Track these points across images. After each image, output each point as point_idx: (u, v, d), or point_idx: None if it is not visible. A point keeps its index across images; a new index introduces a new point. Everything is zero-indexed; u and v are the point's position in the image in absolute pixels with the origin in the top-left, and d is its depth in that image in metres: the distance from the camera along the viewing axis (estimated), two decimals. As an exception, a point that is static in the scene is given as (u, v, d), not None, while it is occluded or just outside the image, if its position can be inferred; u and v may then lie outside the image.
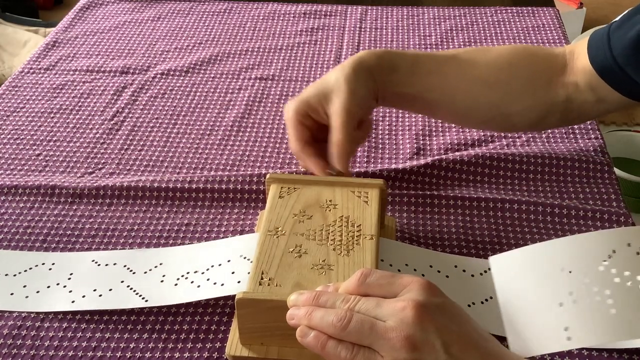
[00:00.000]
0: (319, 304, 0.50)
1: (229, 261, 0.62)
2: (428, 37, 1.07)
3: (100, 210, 0.73)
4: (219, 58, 1.02)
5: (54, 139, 0.84)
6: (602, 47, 0.66)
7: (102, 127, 0.86)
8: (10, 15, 2.29)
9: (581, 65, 0.68)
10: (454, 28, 1.10)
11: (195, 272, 0.62)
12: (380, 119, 0.88)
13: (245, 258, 0.61)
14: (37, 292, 0.62)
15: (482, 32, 1.08)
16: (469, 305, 0.60)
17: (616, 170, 1.24)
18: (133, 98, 0.92)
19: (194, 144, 0.84)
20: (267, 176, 0.64)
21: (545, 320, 0.53)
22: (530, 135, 0.83)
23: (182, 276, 0.62)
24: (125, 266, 0.64)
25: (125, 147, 0.83)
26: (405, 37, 1.08)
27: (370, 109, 0.69)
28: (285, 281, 0.54)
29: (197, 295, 0.60)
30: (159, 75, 0.97)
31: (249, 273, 0.58)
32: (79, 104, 0.91)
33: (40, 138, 0.84)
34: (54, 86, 0.95)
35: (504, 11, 1.14)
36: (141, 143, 0.84)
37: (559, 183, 0.76)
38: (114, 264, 0.65)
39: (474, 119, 0.73)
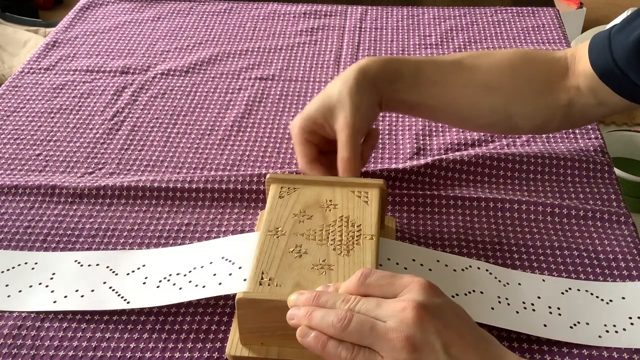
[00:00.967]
0: (319, 304, 0.50)
1: (211, 263, 0.62)
2: (428, 37, 1.07)
3: (100, 210, 0.73)
4: (219, 58, 1.01)
5: (54, 139, 0.84)
6: (603, 51, 0.66)
7: (102, 127, 0.86)
8: (10, 15, 2.29)
9: (582, 69, 0.68)
10: (454, 28, 1.10)
11: (178, 274, 0.62)
12: (380, 119, 0.88)
13: (227, 260, 0.61)
14: (20, 291, 0.62)
15: (482, 32, 1.08)
16: (452, 297, 0.60)
17: (616, 170, 1.24)
18: (133, 98, 0.92)
19: (194, 144, 0.84)
20: (267, 176, 0.64)
21: None
22: (530, 135, 0.83)
23: (165, 278, 0.62)
24: (108, 267, 0.64)
25: (125, 147, 0.83)
26: (405, 37, 1.08)
27: (375, 117, 0.69)
28: (286, 281, 0.54)
29: (179, 297, 0.60)
30: (159, 75, 0.97)
31: (230, 274, 0.59)
32: (79, 104, 0.91)
33: (40, 138, 0.84)
34: (54, 86, 0.95)
35: (504, 11, 1.14)
36: (141, 143, 0.84)
37: (559, 183, 0.76)
38: (97, 264, 0.65)
39: (477, 123, 0.73)
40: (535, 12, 1.14)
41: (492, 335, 0.49)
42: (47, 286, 0.63)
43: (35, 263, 0.65)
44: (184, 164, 0.80)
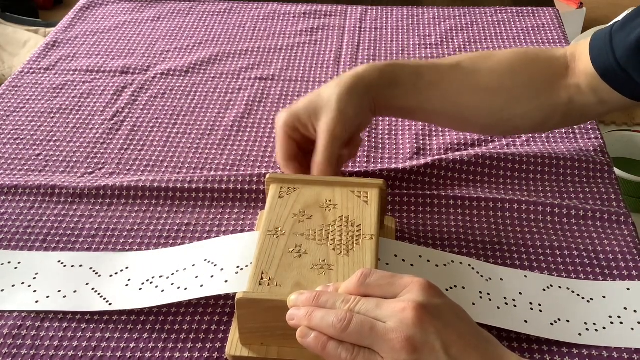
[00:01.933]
0: (319, 304, 0.50)
1: (193, 266, 0.62)
2: (428, 37, 1.07)
3: (100, 210, 0.73)
4: (219, 58, 1.02)
5: (54, 139, 0.84)
6: (604, 49, 0.66)
7: (102, 127, 0.86)
8: (10, 15, 2.29)
9: (583, 67, 0.68)
10: (454, 28, 1.10)
11: (161, 276, 0.62)
12: (380, 119, 0.88)
13: (209, 262, 0.61)
14: (2, 290, 0.62)
15: (482, 32, 1.08)
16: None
17: (616, 170, 1.24)
18: (133, 98, 0.92)
19: (194, 144, 0.84)
20: (267, 176, 0.64)
21: None
22: (530, 135, 0.83)
23: (147, 280, 0.62)
24: (91, 268, 0.64)
25: (125, 147, 0.83)
26: (405, 37, 1.08)
27: (365, 124, 0.69)
28: (285, 281, 0.54)
29: (160, 299, 0.60)
30: (159, 75, 0.97)
31: (212, 277, 0.59)
32: (79, 104, 0.91)
33: (40, 138, 0.84)
34: (54, 86, 0.95)
35: (504, 11, 1.14)
36: (141, 143, 0.84)
37: (559, 183, 0.76)
38: (80, 265, 0.65)
39: (476, 125, 0.73)
40: (535, 12, 1.14)
41: (492, 336, 0.49)
42: (29, 286, 0.63)
43: (19, 262, 0.65)
44: (184, 164, 0.80)
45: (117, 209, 0.73)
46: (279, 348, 0.55)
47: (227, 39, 1.07)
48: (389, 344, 0.45)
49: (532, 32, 1.08)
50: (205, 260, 0.62)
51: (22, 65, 1.00)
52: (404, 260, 0.62)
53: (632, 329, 0.58)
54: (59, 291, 0.62)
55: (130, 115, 0.89)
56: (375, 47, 1.05)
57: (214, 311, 0.61)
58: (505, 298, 0.61)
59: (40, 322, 0.60)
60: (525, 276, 0.63)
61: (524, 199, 0.73)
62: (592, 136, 0.83)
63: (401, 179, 0.76)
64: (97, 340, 0.58)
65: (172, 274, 0.62)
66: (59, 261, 0.65)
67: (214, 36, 1.08)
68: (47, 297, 0.61)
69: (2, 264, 0.65)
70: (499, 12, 1.14)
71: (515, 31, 1.08)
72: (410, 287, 0.48)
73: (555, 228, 0.70)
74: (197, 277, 0.60)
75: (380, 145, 0.83)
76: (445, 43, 1.06)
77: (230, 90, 0.94)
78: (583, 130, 0.84)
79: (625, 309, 0.60)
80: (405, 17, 1.13)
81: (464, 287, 0.61)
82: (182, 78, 0.97)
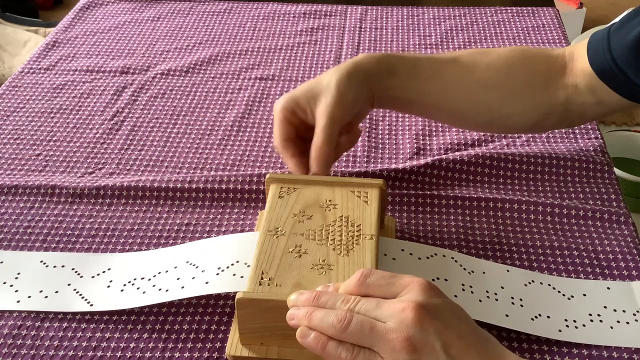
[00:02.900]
0: (319, 304, 0.50)
1: (175, 267, 0.62)
2: (428, 37, 1.07)
3: (100, 210, 0.73)
4: (219, 58, 1.02)
5: (54, 139, 0.84)
6: (602, 49, 0.66)
7: (102, 127, 0.86)
8: (10, 15, 2.29)
9: (581, 67, 0.68)
10: (454, 28, 1.10)
11: (142, 278, 0.62)
12: (380, 119, 0.88)
13: (191, 264, 0.62)
14: None
15: (482, 32, 1.08)
16: None
17: (616, 170, 1.24)
18: (133, 98, 0.92)
19: (194, 144, 0.84)
20: (267, 176, 0.64)
21: None
22: (530, 135, 0.83)
23: (129, 282, 0.62)
24: (73, 269, 0.64)
25: (125, 147, 0.83)
26: (405, 37, 1.08)
27: (363, 114, 0.69)
28: (285, 281, 0.54)
29: (141, 301, 0.60)
30: (159, 75, 0.97)
31: (193, 278, 0.59)
32: (79, 104, 0.91)
33: (40, 138, 0.84)
34: (54, 86, 0.95)
35: (504, 11, 1.14)
36: (141, 143, 0.84)
37: (559, 183, 0.76)
38: (62, 266, 0.65)
39: (473, 121, 0.73)
40: (535, 12, 1.14)
41: (492, 335, 0.49)
42: (11, 285, 0.63)
43: (1, 262, 0.65)
44: (184, 164, 0.80)
45: (117, 209, 0.73)
46: (279, 348, 0.55)
47: (227, 39, 1.07)
48: (389, 344, 0.45)
49: (532, 32, 1.08)
50: (187, 262, 0.62)
51: (22, 65, 1.00)
52: (385, 255, 0.62)
53: (612, 327, 0.59)
54: (41, 291, 0.62)
55: (130, 115, 0.89)
56: (375, 47, 1.05)
57: (214, 311, 0.61)
58: (487, 291, 0.61)
59: (40, 322, 0.60)
60: (508, 270, 0.64)
61: (524, 199, 0.73)
62: (592, 136, 0.83)
63: (401, 179, 0.76)
64: (97, 340, 0.58)
65: (154, 276, 0.62)
66: (41, 261, 0.65)
67: (214, 36, 1.08)
68: (29, 297, 0.62)
69: None
70: (499, 12, 1.14)
71: (515, 31, 1.08)
72: (410, 287, 0.48)
73: (555, 228, 0.70)
74: (178, 278, 0.60)
75: (380, 145, 0.83)
76: (445, 43, 1.06)
77: (230, 90, 0.94)
78: (583, 130, 0.84)
79: (605, 307, 0.61)
80: (405, 17, 1.13)
81: (446, 280, 0.61)
82: (182, 78, 0.97)
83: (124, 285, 0.62)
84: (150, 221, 0.71)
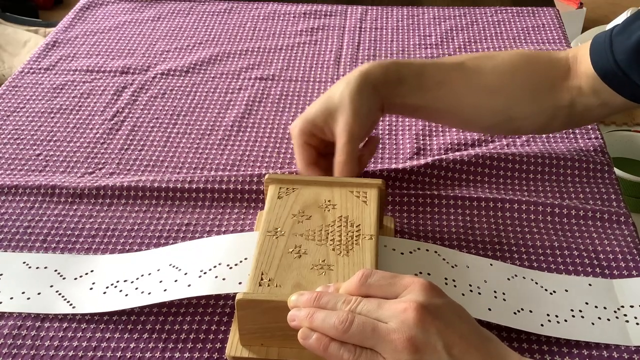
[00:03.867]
0: (320, 305, 0.50)
1: (158, 270, 0.62)
2: (428, 37, 1.07)
3: (100, 210, 0.73)
4: (219, 58, 1.01)
5: (54, 139, 0.84)
6: (605, 52, 0.66)
7: (102, 127, 0.86)
8: (10, 15, 2.29)
9: (584, 70, 0.68)
10: (454, 28, 1.10)
11: (125, 280, 0.62)
12: (381, 119, 0.88)
13: (174, 266, 0.62)
14: None
15: (482, 32, 1.08)
16: None
17: (616, 170, 1.24)
18: (133, 98, 0.92)
19: (194, 144, 0.84)
20: (266, 177, 0.64)
21: None
22: (530, 135, 0.83)
23: (112, 284, 0.62)
24: (56, 270, 0.64)
25: (125, 147, 0.83)
26: (405, 37, 1.08)
27: (376, 122, 0.70)
28: (285, 282, 0.54)
29: (124, 304, 0.60)
30: (159, 75, 0.97)
31: (175, 281, 0.59)
32: (79, 104, 0.91)
33: (40, 138, 0.84)
34: (54, 86, 0.95)
35: (504, 11, 1.14)
36: (141, 143, 0.84)
37: (559, 183, 0.76)
38: (45, 267, 0.65)
39: (479, 125, 0.74)
40: (535, 12, 1.14)
41: (493, 334, 0.49)
42: None
43: None
44: (184, 164, 0.80)
45: (117, 209, 0.73)
46: (279, 349, 0.55)
47: (227, 39, 1.07)
48: (391, 344, 0.46)
49: (532, 32, 1.08)
50: (170, 264, 0.62)
51: (22, 65, 1.00)
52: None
53: (593, 323, 0.59)
54: (23, 293, 0.62)
55: (130, 115, 0.89)
56: (375, 47, 1.05)
57: (214, 311, 0.61)
58: (470, 285, 0.61)
59: (40, 322, 0.60)
60: (491, 264, 0.64)
61: (524, 199, 0.73)
62: (592, 136, 0.83)
63: (401, 179, 0.76)
64: (97, 340, 0.58)
65: (137, 279, 0.62)
66: (24, 262, 0.65)
67: (214, 36, 1.08)
68: (11, 298, 0.61)
69: None
70: (499, 12, 1.14)
71: (515, 31, 1.08)
72: (411, 287, 0.48)
73: (555, 228, 0.70)
74: (161, 281, 0.60)
75: (380, 145, 0.83)
76: (445, 43, 1.06)
77: (230, 90, 0.94)
78: (583, 130, 0.84)
79: (587, 303, 0.61)
80: (405, 17, 1.13)
81: (429, 274, 0.61)
82: (182, 78, 0.97)
83: (107, 287, 0.62)
84: (150, 221, 0.71)
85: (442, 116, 0.73)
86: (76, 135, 0.85)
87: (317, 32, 1.09)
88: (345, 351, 0.47)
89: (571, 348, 0.58)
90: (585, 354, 0.57)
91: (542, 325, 0.58)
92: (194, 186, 0.74)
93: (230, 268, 0.59)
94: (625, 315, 0.60)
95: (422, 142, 0.83)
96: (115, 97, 0.92)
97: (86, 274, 0.64)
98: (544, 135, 0.83)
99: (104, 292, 0.61)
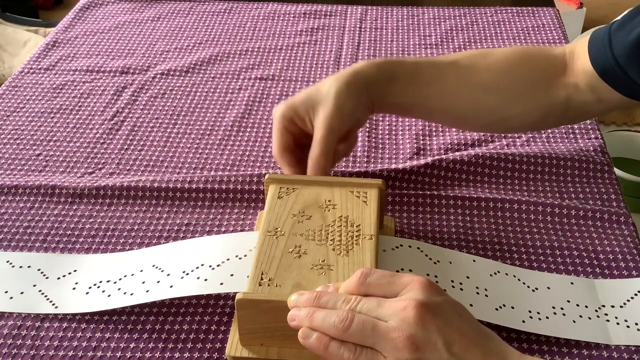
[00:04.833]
0: (319, 304, 0.50)
1: (141, 271, 0.62)
2: (428, 37, 1.07)
3: (100, 210, 0.73)
4: (219, 58, 1.01)
5: (54, 139, 0.84)
6: (603, 48, 0.66)
7: (102, 127, 0.86)
8: (10, 15, 2.29)
9: (581, 66, 0.68)
10: (454, 28, 1.10)
11: (108, 281, 0.62)
12: (381, 118, 0.88)
13: (157, 267, 0.62)
14: None
15: (482, 32, 1.08)
16: None
17: (616, 170, 1.24)
18: (133, 98, 0.92)
19: (194, 144, 0.84)
20: (266, 176, 0.64)
21: None
22: (530, 135, 0.83)
23: (95, 285, 0.62)
24: (39, 270, 0.64)
25: (125, 147, 0.83)
26: (405, 37, 1.08)
27: (363, 121, 0.69)
28: (285, 281, 0.54)
29: (106, 304, 0.60)
30: (159, 75, 0.97)
31: (158, 282, 0.59)
32: (79, 104, 0.91)
33: (40, 138, 0.84)
34: (54, 86, 0.95)
35: (504, 11, 1.14)
36: (141, 143, 0.84)
37: (559, 183, 0.76)
38: (29, 266, 0.65)
39: (473, 124, 0.73)
40: (535, 12, 1.14)
41: (494, 332, 0.49)
42: None
43: None
44: (184, 164, 0.80)
45: (117, 209, 0.73)
46: (279, 349, 0.55)
47: (227, 39, 1.07)
48: (391, 343, 0.46)
49: (532, 32, 1.08)
50: (153, 265, 0.62)
51: (22, 65, 1.00)
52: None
53: (574, 321, 0.59)
54: (6, 292, 0.62)
55: (130, 115, 0.89)
56: (375, 47, 1.05)
57: (214, 311, 0.61)
58: (452, 281, 0.61)
59: (40, 322, 0.60)
60: (474, 260, 0.64)
61: (524, 199, 0.73)
62: (592, 136, 0.83)
63: (401, 179, 0.76)
64: (97, 340, 0.58)
65: (120, 279, 0.62)
66: (7, 261, 0.65)
67: (214, 36, 1.08)
68: None
69: None
70: (499, 12, 1.14)
71: (515, 31, 1.08)
72: (411, 285, 0.48)
73: (555, 228, 0.70)
74: (143, 282, 0.61)
75: (380, 145, 0.83)
76: (445, 43, 1.06)
77: (230, 90, 0.94)
78: (583, 130, 0.84)
79: (569, 301, 0.61)
80: (405, 17, 1.13)
81: (410, 270, 0.61)
82: (182, 78, 0.97)
83: (90, 287, 0.62)
84: (150, 221, 0.71)
85: (436, 114, 0.72)
86: (76, 135, 0.85)
87: (317, 32, 1.09)
88: (345, 350, 0.47)
89: (571, 348, 0.58)
90: (585, 354, 0.57)
91: (523, 321, 0.59)
92: (194, 186, 0.74)
93: (213, 269, 0.59)
94: (606, 314, 0.60)
95: (422, 142, 0.83)
96: (115, 97, 0.92)
97: (69, 273, 0.64)
98: (543, 135, 0.83)
99: (87, 292, 0.61)
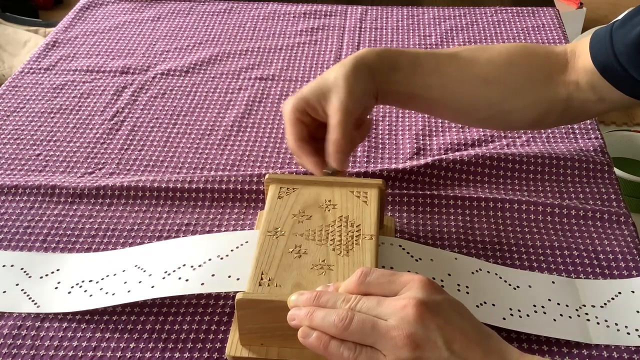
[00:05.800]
0: (319, 304, 0.50)
1: (123, 271, 0.62)
2: (428, 37, 1.07)
3: (100, 210, 0.73)
4: (219, 58, 1.02)
5: (54, 139, 0.84)
6: (604, 47, 0.66)
7: (102, 127, 0.86)
8: (10, 15, 2.29)
9: (582, 64, 0.68)
10: (454, 28, 1.10)
11: (90, 281, 0.62)
12: (380, 119, 0.88)
13: (139, 268, 0.62)
14: None
15: (482, 32, 1.08)
16: None
17: (616, 170, 1.24)
18: (133, 98, 0.92)
19: (194, 144, 0.84)
20: (266, 176, 0.64)
21: None
22: (530, 135, 0.83)
23: (77, 284, 0.62)
24: (22, 269, 0.64)
25: (125, 147, 0.83)
26: (405, 37, 1.08)
27: (370, 108, 0.69)
28: (285, 281, 0.54)
29: (88, 304, 0.60)
30: (159, 75, 0.97)
31: (140, 282, 0.60)
32: (79, 104, 0.91)
33: (40, 138, 0.84)
34: (54, 86, 0.95)
35: (504, 11, 1.14)
36: (141, 143, 0.84)
37: (559, 183, 0.76)
38: (12, 265, 0.65)
39: (474, 117, 0.73)
40: (535, 12, 1.14)
41: (494, 331, 0.49)
42: None
43: None
44: (184, 164, 0.80)
45: (117, 209, 0.73)
46: (279, 349, 0.55)
47: (227, 39, 1.07)
48: (391, 341, 0.46)
49: (532, 32, 1.08)
50: (136, 265, 0.62)
51: (22, 65, 1.00)
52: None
53: (555, 319, 0.60)
54: None
55: (130, 115, 0.89)
56: (375, 47, 1.05)
57: (214, 311, 0.61)
58: (433, 279, 0.61)
59: (40, 322, 0.60)
60: (456, 258, 0.64)
61: (524, 199, 0.73)
62: (592, 136, 0.83)
63: (401, 179, 0.76)
64: (97, 340, 0.58)
65: (102, 279, 0.62)
66: None
67: (214, 36, 1.08)
68: None
69: None
70: (499, 12, 1.14)
71: (515, 31, 1.08)
72: (411, 284, 0.48)
73: (555, 228, 0.70)
74: (125, 282, 0.61)
75: (380, 145, 0.83)
76: (445, 43, 1.06)
77: (230, 90, 0.94)
78: (583, 130, 0.84)
79: (550, 300, 0.61)
80: (405, 17, 1.13)
81: (392, 268, 0.61)
82: (182, 78, 0.97)
83: (72, 287, 0.62)
84: (150, 221, 0.71)
85: (436, 106, 0.72)
86: (76, 135, 0.85)
87: (317, 32, 1.09)
88: (345, 349, 0.47)
89: (571, 348, 0.58)
90: (585, 354, 0.57)
91: (504, 319, 0.59)
92: (194, 186, 0.74)
93: (194, 269, 0.59)
94: (586, 314, 0.60)
95: (422, 142, 0.83)
96: (115, 97, 0.92)
97: (52, 272, 0.64)
98: (543, 135, 0.83)
99: (69, 292, 0.62)
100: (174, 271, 0.60)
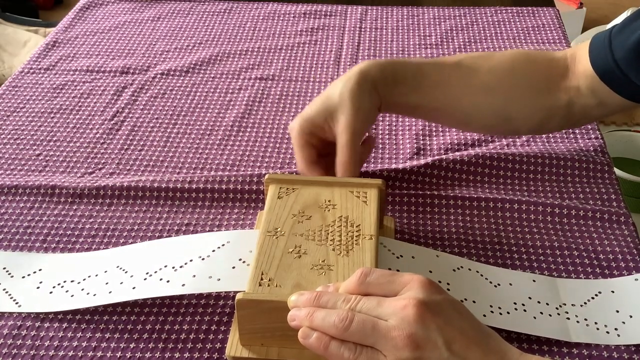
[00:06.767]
0: (319, 304, 0.50)
1: (105, 272, 0.62)
2: (428, 37, 1.07)
3: (100, 210, 0.73)
4: (219, 58, 1.02)
5: (54, 139, 0.84)
6: (604, 51, 0.66)
7: (102, 127, 0.86)
8: (10, 15, 2.29)
9: (582, 69, 0.68)
10: (454, 28, 1.10)
11: (72, 281, 0.62)
12: (380, 118, 0.88)
13: (121, 269, 0.62)
14: None
15: (482, 32, 1.08)
16: None
17: (616, 170, 1.24)
18: (133, 98, 0.92)
19: (194, 144, 0.84)
20: (266, 177, 0.64)
21: None
22: (530, 135, 0.83)
23: (59, 284, 0.62)
24: (4, 268, 0.65)
25: (125, 147, 0.83)
26: (405, 37, 1.08)
27: (373, 121, 0.70)
28: (285, 282, 0.54)
29: (69, 304, 0.60)
30: (159, 75, 0.97)
31: (121, 283, 0.59)
32: (79, 104, 0.91)
33: (40, 138, 0.84)
34: (54, 86, 0.95)
35: (504, 11, 1.14)
36: (141, 143, 0.84)
37: (559, 183, 0.76)
38: None
39: (476, 125, 0.74)
40: (535, 12, 1.14)
41: (494, 331, 0.49)
42: None
43: None
44: (184, 164, 0.80)
45: (117, 209, 0.73)
46: (279, 349, 0.55)
47: (227, 39, 1.07)
48: (391, 341, 0.46)
49: (532, 32, 1.08)
50: (117, 266, 0.62)
51: (22, 65, 1.00)
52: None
53: (535, 317, 0.60)
54: None
55: (130, 115, 0.89)
56: (375, 47, 1.05)
57: (214, 311, 0.61)
58: None
59: (40, 322, 0.60)
60: (437, 256, 0.64)
61: (524, 199, 0.73)
62: (592, 136, 0.83)
63: (401, 179, 0.76)
64: (97, 340, 0.58)
65: (84, 279, 0.62)
66: None
67: (214, 36, 1.08)
68: None
69: None
70: (499, 12, 1.14)
71: (515, 31, 1.08)
72: (411, 284, 0.48)
73: (555, 228, 0.70)
74: (107, 283, 0.61)
75: (380, 145, 0.83)
76: (445, 43, 1.06)
77: (230, 90, 0.94)
78: (583, 130, 0.84)
79: (530, 298, 0.61)
80: (405, 17, 1.13)
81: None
82: (182, 78, 0.97)
83: (53, 287, 0.62)
84: (150, 221, 0.71)
85: (440, 115, 0.73)
86: (76, 135, 0.85)
87: (317, 32, 1.09)
88: (345, 349, 0.47)
89: (571, 348, 0.58)
90: (585, 354, 0.57)
91: (484, 315, 0.59)
92: (194, 186, 0.74)
93: (175, 270, 0.59)
94: (566, 312, 0.61)
95: (422, 142, 0.83)
96: (115, 97, 0.92)
97: (34, 272, 0.64)
98: (544, 135, 0.83)
99: (50, 292, 0.62)
100: (155, 272, 0.60)
